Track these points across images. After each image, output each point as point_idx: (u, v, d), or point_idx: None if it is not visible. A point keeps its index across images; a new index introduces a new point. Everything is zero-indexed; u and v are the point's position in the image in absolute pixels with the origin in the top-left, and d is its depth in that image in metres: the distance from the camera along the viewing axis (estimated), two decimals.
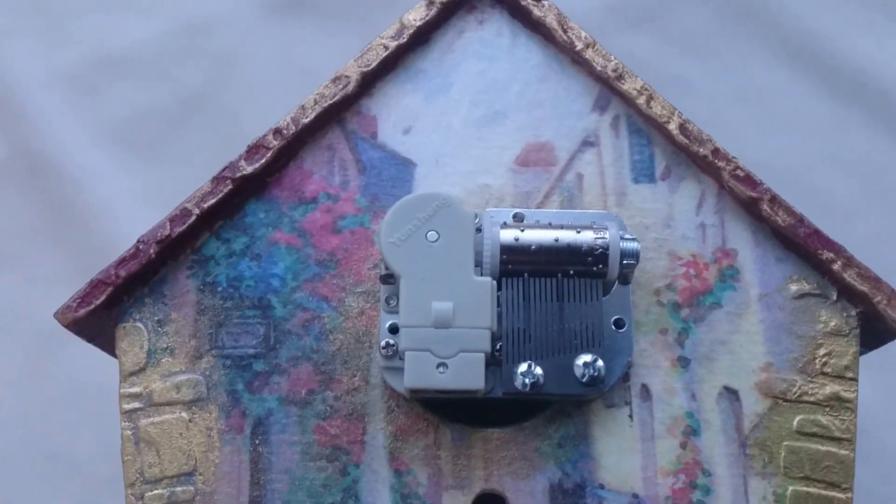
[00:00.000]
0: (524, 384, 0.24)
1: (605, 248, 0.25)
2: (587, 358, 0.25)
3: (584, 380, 0.24)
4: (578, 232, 0.25)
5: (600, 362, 0.25)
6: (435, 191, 0.25)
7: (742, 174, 0.27)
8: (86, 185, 0.40)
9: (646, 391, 0.26)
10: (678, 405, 0.26)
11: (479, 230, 0.25)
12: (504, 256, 0.25)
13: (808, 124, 0.40)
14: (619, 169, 0.28)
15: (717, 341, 0.26)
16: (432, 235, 0.24)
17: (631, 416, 0.26)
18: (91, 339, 0.27)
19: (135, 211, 0.40)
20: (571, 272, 0.25)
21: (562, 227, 0.25)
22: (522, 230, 0.25)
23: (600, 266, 0.25)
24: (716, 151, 0.27)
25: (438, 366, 0.24)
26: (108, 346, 0.27)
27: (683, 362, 0.26)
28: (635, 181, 0.28)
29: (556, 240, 0.25)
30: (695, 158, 0.27)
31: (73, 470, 0.41)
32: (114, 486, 0.39)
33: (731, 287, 0.27)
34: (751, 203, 0.27)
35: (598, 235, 0.25)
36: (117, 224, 0.39)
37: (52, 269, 0.40)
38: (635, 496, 0.25)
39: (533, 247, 0.25)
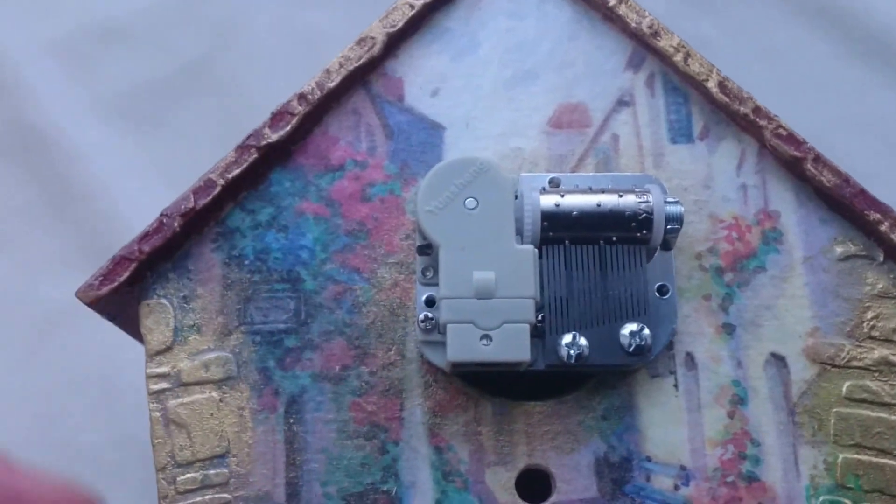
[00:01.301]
0: (569, 355, 0.24)
1: (650, 213, 0.24)
2: (633, 327, 0.24)
3: (631, 349, 0.24)
4: (620, 196, 0.24)
5: (647, 331, 0.24)
6: (472, 155, 0.24)
7: (785, 133, 0.26)
8: (83, 160, 0.39)
9: (690, 359, 0.25)
10: (724, 373, 0.25)
11: (516, 196, 0.24)
12: (545, 223, 0.24)
13: (828, 85, 0.39)
14: (656, 129, 0.27)
15: (762, 306, 0.25)
16: (471, 203, 0.23)
17: (676, 386, 0.25)
18: (112, 317, 0.26)
19: (134, 186, 0.38)
20: (614, 238, 0.24)
21: (603, 192, 0.24)
22: (563, 195, 0.24)
23: (644, 232, 0.24)
24: (757, 110, 0.26)
25: (482, 338, 0.23)
26: (130, 325, 0.26)
27: (728, 329, 0.25)
28: (672, 141, 0.27)
29: (598, 205, 0.24)
30: (734, 117, 0.26)
31: (77, 455, 0.39)
32: (123, 471, 0.38)
33: (774, 250, 0.26)
34: (794, 163, 0.26)
35: (642, 199, 0.24)
36: (116, 200, 0.38)
37: (49, 248, 0.39)
38: (683, 468, 0.24)
39: (574, 213, 0.24)
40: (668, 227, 0.24)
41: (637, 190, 0.24)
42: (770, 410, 0.25)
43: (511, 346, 0.23)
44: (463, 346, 0.23)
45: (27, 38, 0.41)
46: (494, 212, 0.23)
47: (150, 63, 0.41)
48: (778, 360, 0.25)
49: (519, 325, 0.23)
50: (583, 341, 0.24)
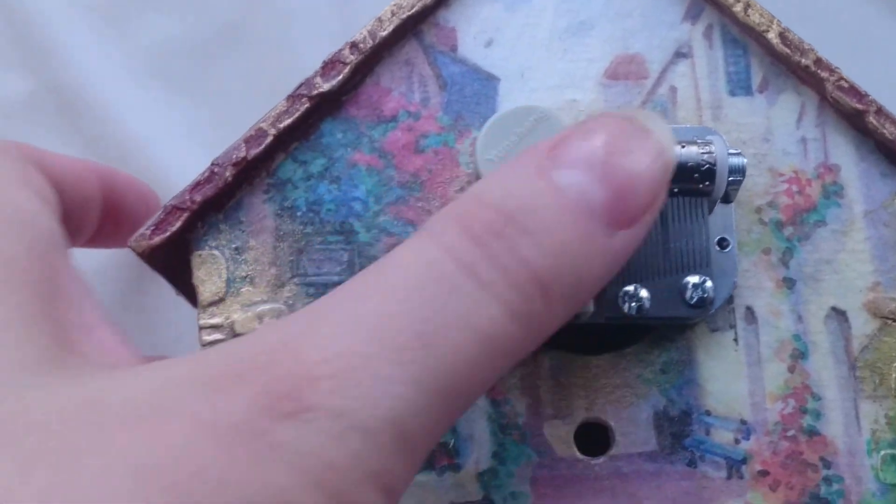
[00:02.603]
0: (630, 308, 0.23)
1: (713, 164, 0.23)
2: (695, 279, 0.23)
3: (693, 301, 0.23)
4: (683, 147, 0.23)
5: (709, 283, 0.23)
6: (532, 104, 0.24)
7: (846, 85, 0.25)
8: (119, 122, 0.38)
9: (751, 314, 0.25)
10: (785, 327, 0.25)
11: None
12: None
13: (874, 44, 0.38)
14: (714, 81, 0.26)
15: (822, 261, 0.25)
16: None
17: (736, 340, 0.25)
18: (162, 270, 0.25)
19: (172, 148, 0.38)
20: (675, 190, 0.24)
21: None
22: None
23: (706, 183, 0.23)
24: (818, 61, 0.25)
25: None
26: (178, 278, 0.26)
27: (789, 283, 0.25)
28: (731, 94, 0.26)
29: None
30: (795, 69, 0.26)
31: None
32: None
33: (835, 204, 0.25)
34: (855, 115, 0.25)
35: (704, 150, 0.23)
36: (153, 161, 0.37)
37: None
38: (743, 422, 0.24)
39: None
40: (731, 178, 0.24)
41: (699, 141, 0.24)
42: (831, 365, 0.25)
43: None
44: None
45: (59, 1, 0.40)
46: None
47: (186, 22, 0.40)
48: (839, 314, 0.25)
49: None
50: (644, 293, 0.23)
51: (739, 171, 0.24)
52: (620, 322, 0.24)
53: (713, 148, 0.23)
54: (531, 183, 0.19)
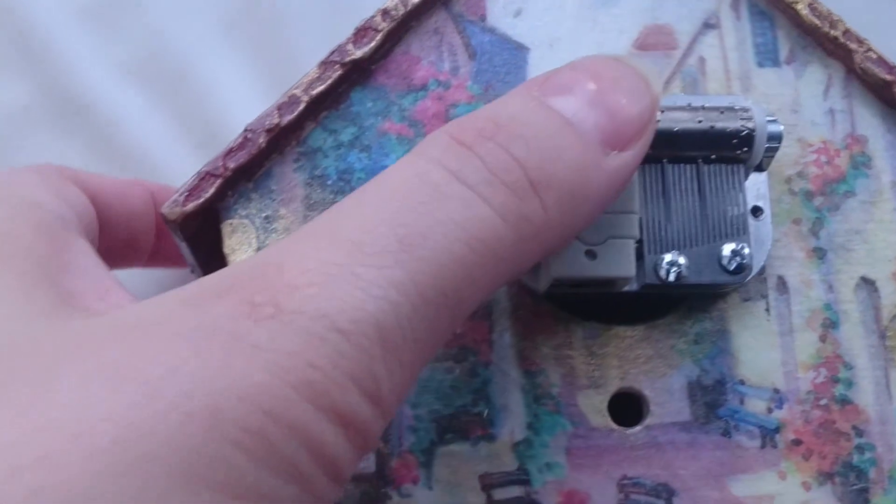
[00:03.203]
0: (668, 273, 0.23)
1: (752, 130, 0.23)
2: (733, 246, 0.23)
3: (732, 268, 0.23)
4: (721, 113, 0.23)
5: (747, 249, 0.23)
6: None
7: (875, 56, 0.25)
8: (118, 126, 0.38)
9: (782, 283, 0.25)
10: (816, 297, 0.25)
11: None
12: None
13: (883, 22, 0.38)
14: (743, 52, 0.26)
15: (851, 230, 0.25)
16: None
17: (768, 310, 0.25)
18: (187, 238, 0.25)
19: (171, 152, 0.37)
20: (713, 157, 0.24)
21: (703, 109, 0.23)
22: (662, 111, 0.23)
23: (744, 150, 0.23)
24: (847, 32, 0.26)
25: (586, 253, 0.22)
26: (204, 246, 0.25)
27: (819, 253, 0.25)
28: (759, 65, 0.26)
29: (700, 121, 0.23)
30: (823, 40, 0.26)
31: None
32: None
33: (863, 174, 0.26)
34: (883, 87, 0.25)
35: (743, 117, 0.23)
36: (152, 165, 0.37)
37: None
38: (776, 391, 0.24)
39: (676, 128, 0.23)
40: (768, 145, 0.24)
41: (737, 107, 0.24)
42: (861, 334, 0.25)
43: (616, 261, 0.22)
44: (567, 262, 0.22)
45: (56, 3, 0.39)
46: None
47: (184, 26, 0.40)
48: (868, 283, 0.25)
49: (624, 240, 0.22)
50: (682, 260, 0.23)
51: (776, 139, 0.24)
52: (658, 290, 0.24)
53: (752, 115, 0.23)
54: (524, 103, 0.19)
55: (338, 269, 0.16)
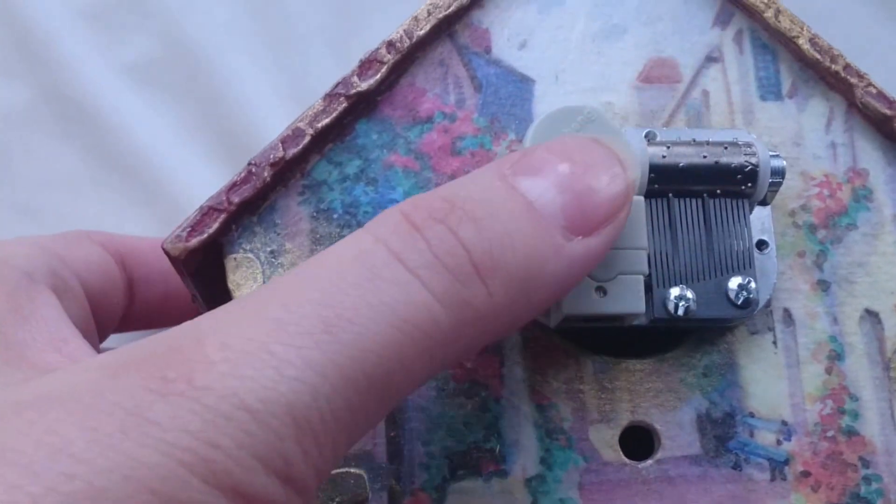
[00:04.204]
0: (676, 308, 0.23)
1: (756, 166, 0.23)
2: (740, 280, 0.23)
3: (740, 302, 0.23)
4: (726, 148, 0.24)
5: (754, 283, 0.23)
6: (579, 104, 0.23)
7: (875, 91, 0.26)
8: (118, 129, 0.37)
9: (788, 316, 0.25)
10: (821, 329, 0.25)
11: None
12: (651, 174, 0.23)
13: (869, 47, 0.39)
14: (745, 86, 0.26)
15: (854, 263, 0.25)
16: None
17: (775, 343, 0.25)
18: (190, 274, 0.24)
19: (171, 155, 0.37)
20: (718, 192, 0.24)
21: (708, 144, 0.24)
22: (668, 147, 0.23)
23: (749, 185, 0.24)
24: (847, 67, 0.26)
25: (597, 290, 0.22)
26: (207, 279, 0.25)
27: (824, 285, 0.25)
28: (762, 98, 0.26)
29: (704, 157, 0.23)
30: (825, 74, 0.26)
31: None
32: None
33: (865, 207, 0.26)
34: (883, 121, 0.26)
35: (747, 152, 0.24)
36: (153, 168, 0.36)
37: (95, 219, 0.37)
38: (785, 423, 0.24)
39: (681, 164, 0.23)
40: (772, 180, 0.24)
41: (741, 142, 0.24)
42: (866, 366, 0.25)
43: (626, 297, 0.22)
44: (578, 299, 0.22)
45: (58, 6, 0.39)
46: None
47: (184, 30, 0.39)
48: (872, 316, 0.25)
49: (633, 276, 0.22)
50: (690, 294, 0.23)
51: (779, 174, 0.24)
52: (666, 325, 0.24)
53: (756, 150, 0.24)
54: (488, 182, 0.19)
55: (255, 347, 0.16)
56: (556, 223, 0.19)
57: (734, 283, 0.23)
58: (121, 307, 0.27)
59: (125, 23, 0.38)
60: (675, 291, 0.23)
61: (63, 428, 0.15)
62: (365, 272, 0.17)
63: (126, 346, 0.17)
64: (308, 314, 0.17)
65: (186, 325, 0.17)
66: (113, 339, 0.29)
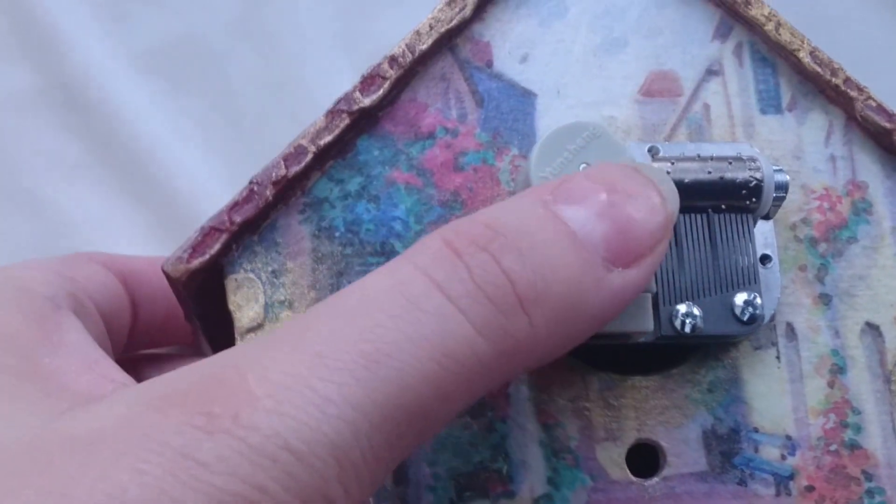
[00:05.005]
0: (684, 325, 0.23)
1: (760, 181, 0.23)
2: (745, 296, 0.23)
3: (746, 318, 0.23)
4: (730, 164, 0.24)
5: (759, 299, 0.23)
6: (583, 120, 0.23)
7: (874, 104, 0.26)
8: (124, 117, 0.37)
9: (791, 330, 0.25)
10: (823, 343, 0.25)
11: None
12: None
13: (872, 47, 0.39)
14: (746, 99, 0.26)
15: (855, 276, 0.26)
16: (585, 169, 0.23)
17: (778, 357, 0.25)
18: (190, 295, 0.24)
19: (177, 144, 0.37)
20: (722, 207, 0.24)
21: (711, 159, 0.24)
22: (673, 163, 0.23)
23: (753, 200, 0.24)
24: (847, 80, 0.26)
25: None
26: (206, 300, 0.24)
27: (825, 299, 0.25)
28: (762, 112, 0.26)
29: (709, 172, 0.23)
30: (824, 88, 0.26)
31: None
32: None
33: (864, 220, 0.26)
34: (883, 134, 0.26)
35: (751, 167, 0.23)
36: (158, 157, 0.36)
37: (98, 209, 0.36)
38: (788, 438, 0.24)
39: (686, 180, 0.23)
40: (776, 195, 0.24)
41: (745, 157, 0.24)
42: (868, 379, 0.25)
43: (634, 315, 0.22)
44: None
45: None
46: None
47: (192, 20, 0.39)
48: (873, 329, 0.25)
49: (642, 294, 0.22)
50: (697, 311, 0.23)
51: (783, 188, 0.24)
52: (673, 342, 0.24)
53: (760, 165, 0.24)
54: (530, 209, 0.19)
55: (296, 382, 0.16)
56: (597, 254, 0.18)
57: (740, 299, 0.23)
58: (128, 328, 0.27)
59: (131, 10, 0.38)
60: (682, 308, 0.23)
61: (115, 473, 0.15)
62: (404, 303, 0.17)
63: (165, 376, 0.17)
64: (347, 347, 0.16)
65: (226, 355, 0.17)
66: None
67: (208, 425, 0.16)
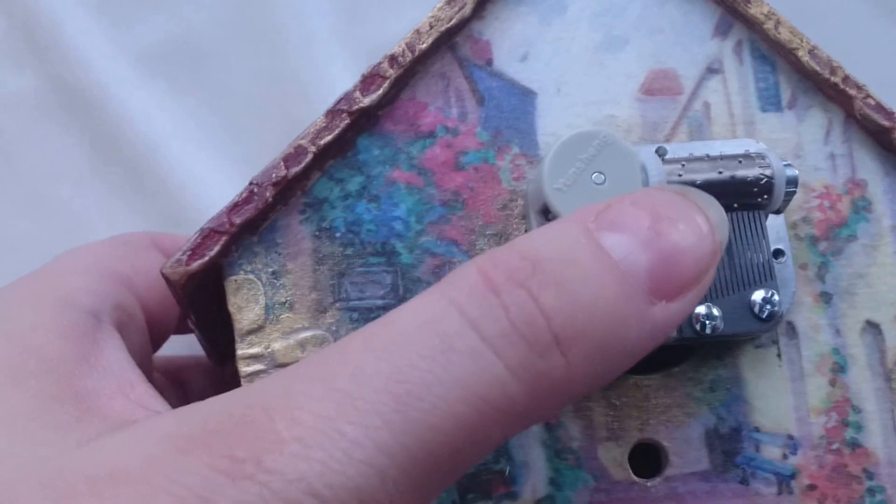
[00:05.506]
0: (704, 327, 0.23)
1: (771, 178, 0.23)
2: (763, 293, 0.23)
3: (764, 315, 0.23)
4: (740, 162, 0.23)
5: (777, 296, 0.23)
6: (593, 129, 0.23)
7: (873, 102, 0.26)
8: (125, 119, 0.37)
9: (792, 329, 0.25)
10: (824, 342, 0.25)
11: None
12: None
13: (868, 45, 0.39)
14: (746, 97, 0.26)
15: (855, 274, 0.26)
16: (598, 178, 0.22)
17: (779, 356, 0.25)
18: (190, 297, 0.24)
19: (178, 145, 0.37)
20: (735, 205, 0.23)
21: (721, 158, 0.23)
22: (683, 164, 0.23)
23: (765, 197, 0.23)
24: (846, 79, 0.26)
25: None
26: (204, 302, 0.24)
27: (826, 297, 0.25)
28: (763, 110, 0.26)
29: (720, 172, 0.23)
30: (823, 86, 0.26)
31: None
32: None
33: (864, 218, 0.26)
34: (882, 132, 0.26)
35: (762, 164, 0.23)
36: (159, 159, 0.36)
37: (99, 210, 0.36)
38: (790, 437, 0.24)
39: (698, 181, 0.23)
40: (787, 189, 0.24)
41: (753, 154, 0.24)
42: (868, 377, 0.25)
43: None
44: None
45: None
46: (623, 185, 0.22)
47: (192, 21, 0.39)
48: (873, 327, 0.25)
49: None
50: (716, 311, 0.23)
51: (794, 183, 0.24)
52: (692, 343, 0.23)
53: (770, 162, 0.23)
54: (572, 237, 0.18)
55: (324, 425, 0.16)
56: (641, 286, 0.18)
57: (758, 296, 0.23)
58: (177, 315, 0.27)
59: (132, 12, 0.38)
60: (701, 310, 0.23)
61: None
62: (437, 342, 0.17)
63: (193, 410, 0.17)
64: (378, 387, 0.16)
65: (254, 392, 0.17)
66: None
67: (231, 470, 0.15)
